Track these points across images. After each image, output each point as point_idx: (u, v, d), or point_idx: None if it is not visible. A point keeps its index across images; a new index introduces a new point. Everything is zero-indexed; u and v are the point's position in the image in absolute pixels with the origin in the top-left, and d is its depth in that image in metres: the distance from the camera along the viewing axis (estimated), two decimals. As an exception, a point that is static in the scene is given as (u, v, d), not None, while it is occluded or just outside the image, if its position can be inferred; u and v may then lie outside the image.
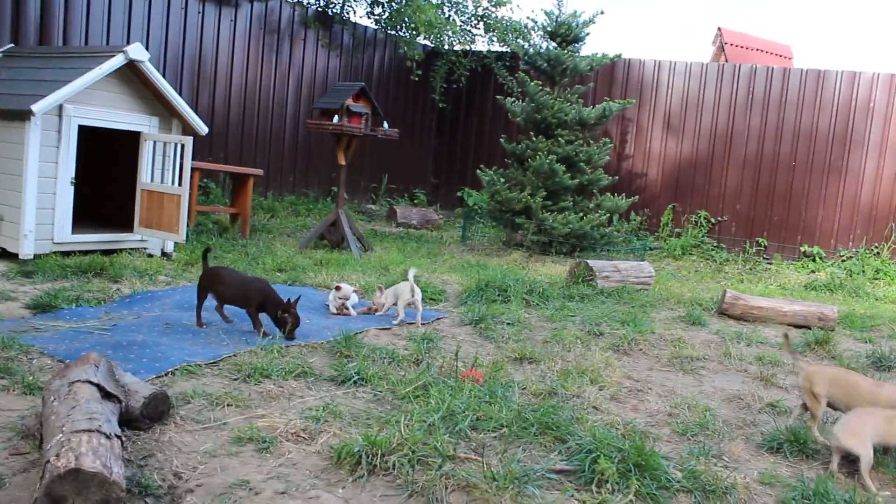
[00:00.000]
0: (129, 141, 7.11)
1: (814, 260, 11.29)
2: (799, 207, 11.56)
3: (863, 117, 11.22)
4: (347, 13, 12.27)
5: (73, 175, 6.58)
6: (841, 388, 3.83)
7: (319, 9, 11.90)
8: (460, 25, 13.57)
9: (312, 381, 4.07)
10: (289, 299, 4.79)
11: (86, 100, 6.54)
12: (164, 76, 7.47)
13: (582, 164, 10.21)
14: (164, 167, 7.16)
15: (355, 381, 4.06)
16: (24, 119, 6.18)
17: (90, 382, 3.01)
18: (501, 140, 10.96)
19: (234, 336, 4.77)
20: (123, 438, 2.88)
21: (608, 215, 10.25)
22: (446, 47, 13.53)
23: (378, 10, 12.66)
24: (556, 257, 9.65)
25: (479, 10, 13.71)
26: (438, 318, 5.87)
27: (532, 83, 10.25)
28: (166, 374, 3.95)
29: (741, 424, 4.08)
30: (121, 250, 7.01)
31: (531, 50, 10.90)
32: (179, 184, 7.05)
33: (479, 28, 13.81)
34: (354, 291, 6.04)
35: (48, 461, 2.47)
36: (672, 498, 3.05)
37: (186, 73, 10.09)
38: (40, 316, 4.90)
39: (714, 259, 11.21)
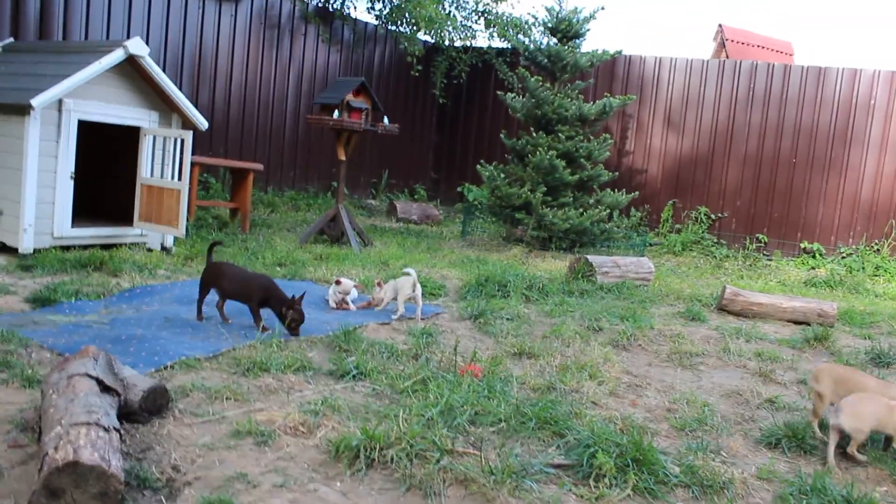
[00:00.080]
0: (130, 136, 7.11)
1: (814, 256, 11.28)
2: (799, 204, 11.56)
3: (863, 114, 11.21)
4: (348, 8, 12.25)
5: (73, 169, 6.58)
6: (847, 387, 3.83)
7: (320, 4, 11.88)
8: (461, 21, 13.53)
9: (311, 375, 4.08)
10: (293, 296, 4.78)
11: (85, 94, 6.53)
12: (164, 71, 7.48)
13: (582, 159, 10.21)
14: (163, 162, 7.17)
15: (354, 376, 4.07)
16: (23, 113, 6.18)
17: (89, 376, 3.02)
18: (502, 135, 10.95)
19: (233, 330, 4.77)
20: (122, 431, 2.89)
21: (608, 211, 10.26)
22: (447, 43, 13.49)
23: (378, 6, 12.64)
24: (555, 253, 9.65)
25: (480, 5, 13.67)
26: (438, 313, 5.88)
27: (532, 79, 10.24)
28: (165, 368, 3.95)
29: (739, 420, 4.09)
30: (120, 245, 7.01)
31: (532, 46, 10.87)
32: (179, 178, 7.05)
33: (479, 24, 13.77)
34: (354, 286, 6.03)
35: (47, 454, 2.48)
36: (670, 492, 3.05)
37: (186, 68, 10.08)
38: (40, 310, 4.91)
39: (714, 255, 11.20)
